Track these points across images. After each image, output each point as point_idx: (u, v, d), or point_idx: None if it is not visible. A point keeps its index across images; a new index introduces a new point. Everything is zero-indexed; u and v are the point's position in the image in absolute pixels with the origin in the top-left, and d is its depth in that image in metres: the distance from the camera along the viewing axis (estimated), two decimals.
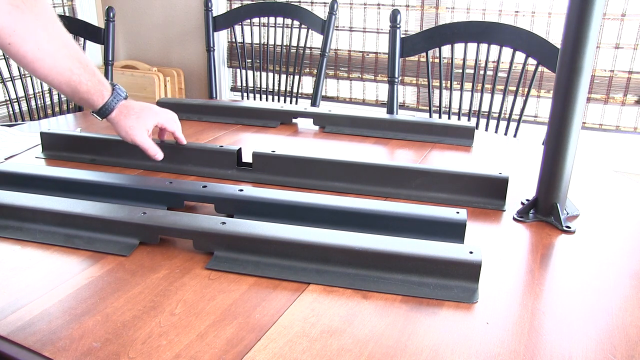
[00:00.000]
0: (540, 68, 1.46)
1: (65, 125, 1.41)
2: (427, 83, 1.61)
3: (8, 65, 1.88)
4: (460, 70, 1.57)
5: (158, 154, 1.02)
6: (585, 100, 0.85)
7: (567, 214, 0.92)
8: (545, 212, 0.91)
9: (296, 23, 1.95)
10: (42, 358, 0.60)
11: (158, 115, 1.02)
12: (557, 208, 0.89)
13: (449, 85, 1.67)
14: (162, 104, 1.42)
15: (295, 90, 2.02)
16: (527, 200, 0.94)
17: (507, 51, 1.51)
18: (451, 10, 2.15)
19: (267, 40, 2.06)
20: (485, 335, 0.64)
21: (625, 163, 2.08)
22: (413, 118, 1.41)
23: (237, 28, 2.06)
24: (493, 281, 0.75)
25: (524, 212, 0.92)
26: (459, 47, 1.59)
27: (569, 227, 0.88)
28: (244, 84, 2.10)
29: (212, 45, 2.10)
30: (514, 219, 0.91)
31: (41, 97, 1.99)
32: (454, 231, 0.82)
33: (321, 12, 2.38)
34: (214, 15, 2.07)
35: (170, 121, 1.04)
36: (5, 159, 1.15)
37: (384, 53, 2.34)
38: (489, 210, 0.95)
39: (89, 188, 0.95)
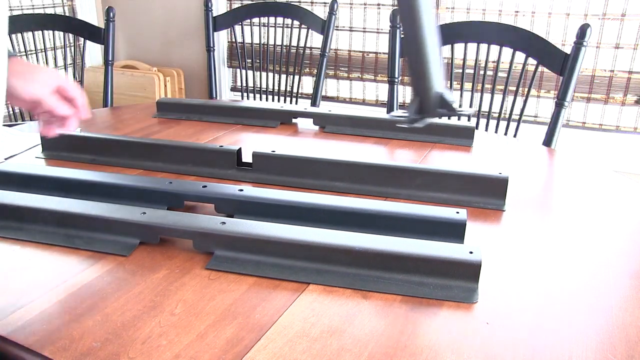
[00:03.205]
0: (540, 68, 1.46)
1: None
2: None
3: None
4: (460, 70, 1.57)
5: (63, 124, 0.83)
6: None
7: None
8: (432, 108, 0.81)
9: (296, 23, 1.95)
10: (42, 358, 0.60)
11: (58, 75, 0.82)
12: (444, 98, 0.80)
13: (449, 85, 1.67)
14: (162, 104, 1.42)
15: (295, 90, 2.02)
16: (404, 111, 0.86)
17: (507, 51, 1.51)
18: (451, 10, 2.15)
19: (267, 40, 2.06)
20: (485, 335, 0.64)
21: (625, 163, 2.08)
22: None
23: (237, 28, 2.06)
24: (493, 281, 0.75)
25: (413, 119, 0.83)
26: (459, 47, 1.59)
27: (461, 108, 0.84)
28: (244, 84, 2.10)
29: (212, 45, 2.10)
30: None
31: None
32: (454, 231, 0.82)
33: (321, 12, 2.38)
34: (214, 15, 2.07)
35: (72, 85, 0.83)
36: (5, 159, 1.15)
37: (384, 53, 2.34)
38: (489, 210, 0.95)
39: (89, 188, 0.95)
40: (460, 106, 0.82)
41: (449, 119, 1.60)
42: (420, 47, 0.78)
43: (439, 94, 0.80)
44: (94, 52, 2.80)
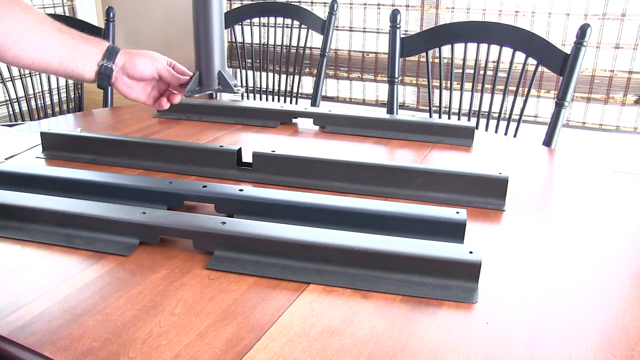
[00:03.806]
0: (540, 68, 1.46)
1: (65, 125, 1.41)
2: (427, 83, 1.61)
3: (8, 65, 1.88)
4: (460, 70, 1.57)
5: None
6: None
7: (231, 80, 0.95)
8: (210, 83, 0.92)
9: (296, 23, 1.95)
10: (42, 358, 0.60)
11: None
12: (222, 75, 0.91)
13: (449, 85, 1.67)
14: None
15: (295, 90, 2.02)
16: (188, 79, 0.94)
17: (507, 51, 1.51)
18: (451, 10, 2.15)
19: (267, 40, 2.06)
20: (485, 335, 0.64)
21: (625, 163, 2.08)
22: (413, 118, 1.41)
23: (237, 28, 2.06)
24: (493, 281, 0.75)
25: (193, 90, 0.92)
26: (459, 47, 1.59)
27: (237, 86, 0.92)
28: (244, 84, 2.10)
29: None
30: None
31: (41, 97, 1.99)
32: (454, 231, 0.82)
33: (321, 12, 2.38)
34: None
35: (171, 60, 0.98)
36: (5, 159, 1.15)
37: (384, 53, 2.34)
38: (489, 210, 0.95)
39: (89, 188, 0.95)
40: (235, 85, 0.93)
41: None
42: (208, 29, 0.89)
43: (219, 71, 0.91)
44: None
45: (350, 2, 2.32)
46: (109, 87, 1.69)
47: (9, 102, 1.92)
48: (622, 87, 1.99)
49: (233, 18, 2.05)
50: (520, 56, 1.49)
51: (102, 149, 1.12)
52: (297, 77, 2.00)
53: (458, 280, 0.72)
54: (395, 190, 0.99)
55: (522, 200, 0.98)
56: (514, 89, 1.55)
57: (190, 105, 1.42)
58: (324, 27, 1.87)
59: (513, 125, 1.55)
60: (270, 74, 2.07)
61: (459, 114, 1.61)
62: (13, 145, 1.22)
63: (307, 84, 2.53)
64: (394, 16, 1.55)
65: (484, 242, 0.85)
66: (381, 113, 1.45)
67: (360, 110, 2.34)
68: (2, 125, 1.37)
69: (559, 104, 1.39)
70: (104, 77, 0.88)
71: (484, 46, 1.54)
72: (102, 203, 0.86)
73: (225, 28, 2.09)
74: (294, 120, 1.38)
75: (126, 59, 0.90)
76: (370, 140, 1.28)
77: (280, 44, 2.00)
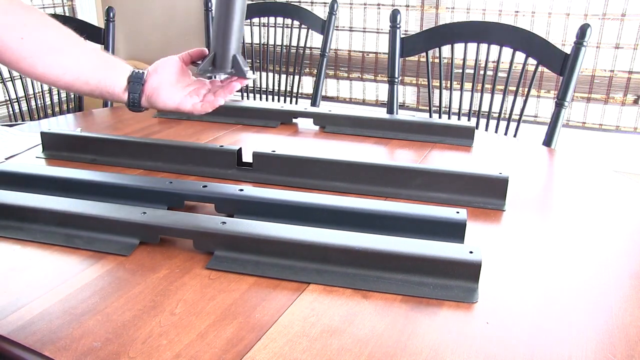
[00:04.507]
0: (540, 68, 1.46)
1: (65, 125, 1.41)
2: (427, 83, 1.61)
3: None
4: (460, 70, 1.57)
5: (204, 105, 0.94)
6: None
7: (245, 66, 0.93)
8: (224, 66, 0.91)
9: (296, 23, 1.95)
10: (43, 358, 0.60)
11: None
12: (237, 59, 0.90)
13: (449, 85, 1.67)
14: None
15: (295, 90, 2.02)
16: (199, 62, 0.93)
17: (507, 51, 1.51)
18: (451, 10, 2.15)
19: (267, 40, 2.06)
20: (485, 335, 0.64)
21: (625, 163, 2.08)
22: (413, 118, 1.41)
23: None
24: (493, 281, 0.75)
25: (205, 70, 0.91)
26: (459, 47, 1.59)
27: (249, 71, 0.91)
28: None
29: None
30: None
31: (41, 97, 1.99)
32: (454, 231, 0.83)
33: (321, 12, 2.38)
34: (213, 15, 2.07)
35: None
36: (6, 159, 1.15)
37: (384, 53, 2.34)
38: (489, 210, 0.95)
39: (89, 188, 0.95)
40: (247, 71, 0.92)
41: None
42: (230, 10, 0.89)
43: (234, 55, 0.91)
44: None
45: (350, 2, 2.32)
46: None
47: (9, 102, 1.92)
48: (622, 87, 1.99)
49: None
50: (520, 56, 1.49)
51: (102, 149, 1.12)
52: (297, 77, 2.00)
53: (458, 280, 0.72)
54: (395, 190, 0.99)
55: (522, 200, 0.98)
56: (514, 89, 1.55)
57: None
58: (324, 27, 1.87)
59: (513, 125, 1.55)
60: (270, 74, 2.07)
61: (459, 114, 1.61)
62: (13, 145, 1.22)
63: (307, 84, 2.52)
64: (394, 16, 1.55)
65: (484, 242, 0.85)
66: (381, 113, 1.45)
67: (360, 110, 2.34)
68: (2, 125, 1.37)
69: (559, 104, 1.39)
70: (136, 80, 0.88)
71: (484, 46, 1.54)
72: (102, 203, 0.86)
73: None
74: (294, 120, 1.38)
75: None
76: (370, 140, 1.28)
77: (280, 44, 2.00)
